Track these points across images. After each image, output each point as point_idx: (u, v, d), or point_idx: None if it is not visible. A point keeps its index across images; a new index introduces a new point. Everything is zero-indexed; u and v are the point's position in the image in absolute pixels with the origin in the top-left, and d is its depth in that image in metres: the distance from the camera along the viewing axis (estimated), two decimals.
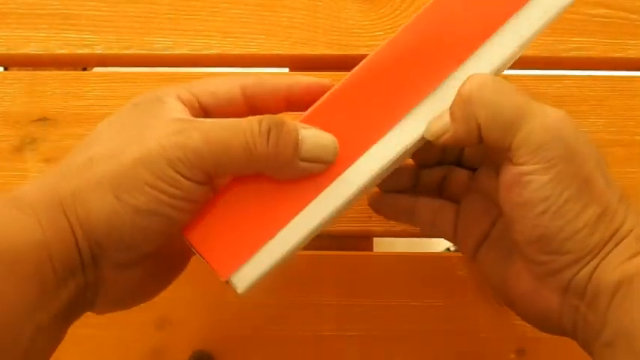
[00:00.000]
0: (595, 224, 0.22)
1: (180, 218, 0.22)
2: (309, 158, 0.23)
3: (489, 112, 0.23)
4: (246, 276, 0.24)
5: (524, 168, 0.22)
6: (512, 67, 0.38)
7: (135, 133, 0.22)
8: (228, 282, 0.24)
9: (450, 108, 0.24)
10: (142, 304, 0.35)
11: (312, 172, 0.24)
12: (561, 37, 0.37)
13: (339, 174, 0.24)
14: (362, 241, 0.36)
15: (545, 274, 0.23)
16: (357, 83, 0.25)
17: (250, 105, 0.25)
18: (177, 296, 0.35)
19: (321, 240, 0.36)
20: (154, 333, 0.34)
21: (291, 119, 0.23)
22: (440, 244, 0.73)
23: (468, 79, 0.24)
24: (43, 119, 0.37)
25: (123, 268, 0.23)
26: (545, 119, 0.23)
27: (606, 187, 0.23)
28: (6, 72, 0.42)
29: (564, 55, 0.37)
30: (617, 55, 0.37)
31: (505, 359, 0.34)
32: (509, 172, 0.23)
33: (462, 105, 0.23)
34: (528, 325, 0.34)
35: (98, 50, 0.37)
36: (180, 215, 0.22)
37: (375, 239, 0.37)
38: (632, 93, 0.37)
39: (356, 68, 0.25)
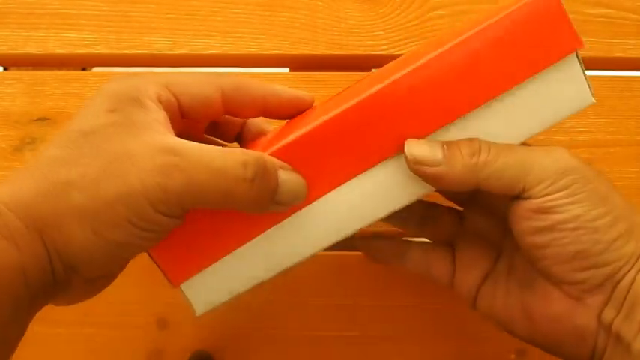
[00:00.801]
0: (627, 234, 0.23)
1: (153, 244, 0.23)
2: (281, 202, 0.23)
3: (493, 174, 0.23)
4: (201, 291, 0.25)
5: (548, 198, 0.23)
6: None
7: (115, 158, 0.21)
8: (182, 293, 0.25)
9: (446, 154, 0.24)
10: (142, 305, 0.35)
11: (276, 211, 0.24)
12: None
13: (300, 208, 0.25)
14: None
15: (585, 292, 0.24)
16: (337, 125, 0.24)
17: (227, 107, 0.25)
18: (177, 297, 0.34)
19: None
20: (154, 333, 0.34)
21: (269, 156, 0.23)
22: None
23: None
24: (42, 119, 0.37)
25: (92, 280, 0.23)
26: (550, 154, 0.24)
27: (625, 204, 0.24)
28: (6, 72, 0.42)
29: None
30: (617, 55, 0.37)
31: (505, 359, 0.34)
32: (529, 205, 0.23)
33: (464, 171, 0.24)
34: None
35: (98, 50, 0.37)
36: (154, 242, 0.23)
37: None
38: (632, 93, 0.37)
39: (338, 110, 0.24)
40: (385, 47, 0.37)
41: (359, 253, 0.35)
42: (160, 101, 0.23)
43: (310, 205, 0.25)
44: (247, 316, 0.34)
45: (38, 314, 0.34)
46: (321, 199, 0.25)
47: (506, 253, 0.28)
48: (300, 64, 0.38)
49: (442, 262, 0.29)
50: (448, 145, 0.24)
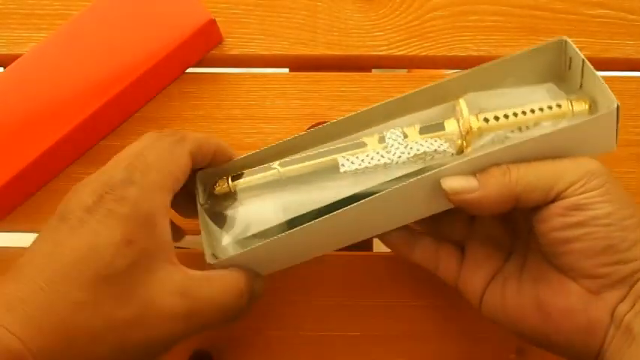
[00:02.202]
0: None
1: None
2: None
3: (528, 186, 0.25)
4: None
5: (583, 195, 0.24)
6: None
7: (137, 307, 0.22)
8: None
9: (480, 179, 0.26)
10: None
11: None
12: None
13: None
14: (362, 241, 0.36)
15: (605, 286, 0.25)
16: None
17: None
18: None
19: None
20: None
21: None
22: None
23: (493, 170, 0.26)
24: None
25: None
26: (576, 160, 0.25)
27: None
28: None
29: None
30: (616, 55, 0.37)
31: (505, 359, 0.34)
32: (563, 204, 0.25)
33: (500, 190, 0.25)
34: None
35: None
36: None
37: (375, 239, 0.37)
38: (631, 93, 0.37)
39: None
40: (385, 47, 0.37)
41: (359, 253, 0.35)
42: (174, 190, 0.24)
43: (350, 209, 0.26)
44: (247, 317, 0.34)
45: None
46: (364, 203, 0.26)
47: (518, 252, 0.29)
48: (300, 64, 0.38)
49: (450, 259, 0.30)
50: (480, 172, 0.26)
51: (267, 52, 0.37)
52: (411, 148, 0.27)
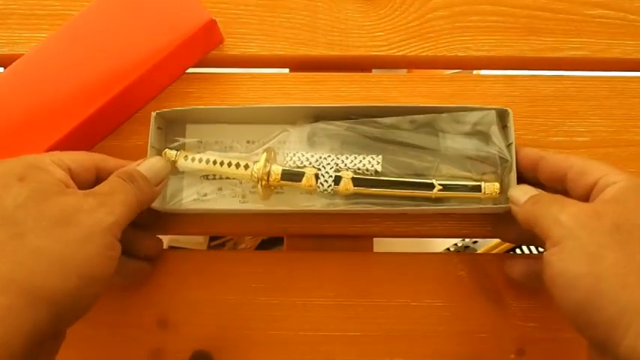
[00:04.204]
0: None
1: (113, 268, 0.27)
2: (156, 182, 0.31)
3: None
4: None
5: None
6: (512, 69, 0.39)
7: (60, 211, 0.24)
8: None
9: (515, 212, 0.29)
10: (142, 305, 0.35)
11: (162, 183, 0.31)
12: (561, 38, 0.37)
13: None
14: (362, 241, 0.36)
15: None
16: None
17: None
18: (177, 297, 0.35)
19: (322, 240, 0.36)
20: (155, 333, 0.34)
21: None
22: (440, 244, 0.73)
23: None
24: None
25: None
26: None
27: None
28: None
29: (564, 55, 0.37)
30: (616, 55, 0.37)
31: (505, 359, 0.34)
32: None
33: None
34: (528, 325, 0.34)
35: None
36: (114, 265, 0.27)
37: (375, 239, 0.37)
38: (631, 93, 0.37)
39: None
40: (385, 48, 0.37)
41: (359, 253, 0.35)
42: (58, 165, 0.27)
43: None
44: (247, 317, 0.34)
45: None
46: None
47: None
48: (300, 64, 0.38)
49: None
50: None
51: (267, 52, 0.37)
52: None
